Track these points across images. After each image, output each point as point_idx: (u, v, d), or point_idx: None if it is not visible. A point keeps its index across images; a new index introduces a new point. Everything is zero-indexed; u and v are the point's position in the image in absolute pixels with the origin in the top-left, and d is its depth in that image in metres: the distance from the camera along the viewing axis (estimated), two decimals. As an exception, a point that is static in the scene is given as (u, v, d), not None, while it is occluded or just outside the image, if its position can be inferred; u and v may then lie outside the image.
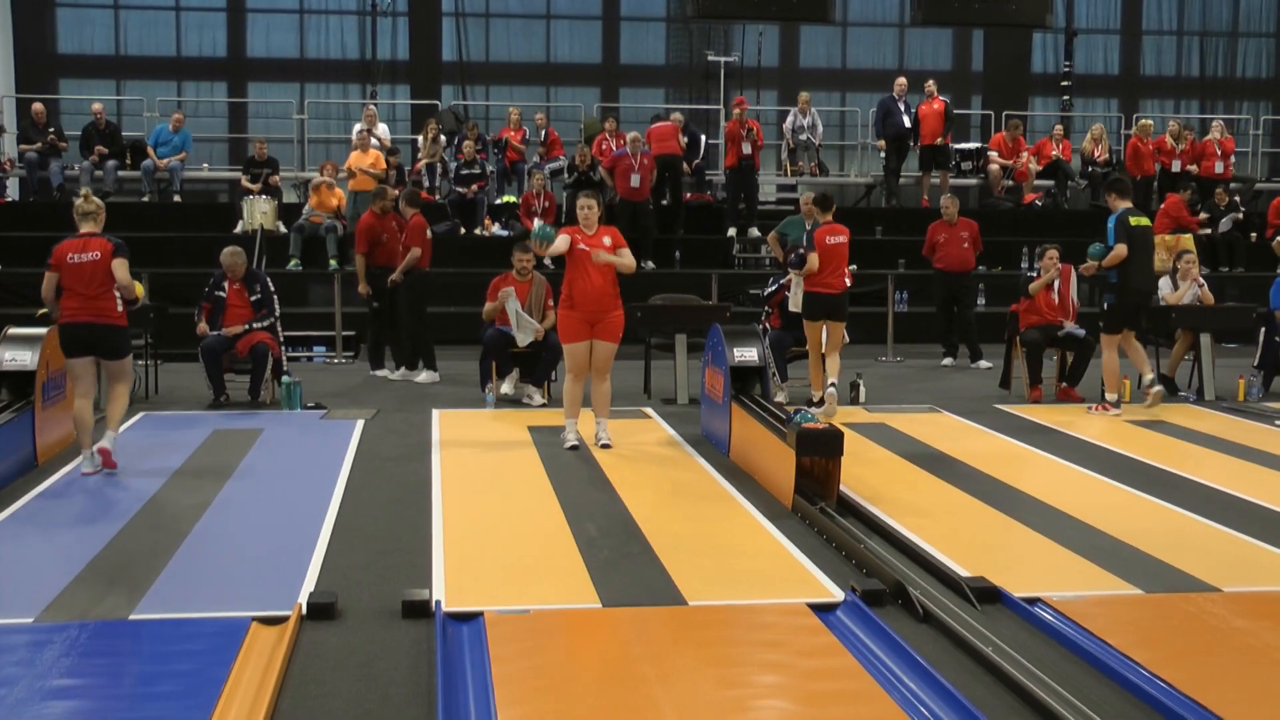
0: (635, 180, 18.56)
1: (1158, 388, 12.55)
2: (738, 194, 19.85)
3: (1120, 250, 12.16)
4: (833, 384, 12.25)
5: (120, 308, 9.76)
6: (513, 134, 20.48)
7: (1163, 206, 19.70)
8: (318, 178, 19.10)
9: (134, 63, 25.49)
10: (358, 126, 20.26)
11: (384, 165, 18.78)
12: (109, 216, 17.01)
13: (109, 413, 9.89)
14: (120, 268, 9.70)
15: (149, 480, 9.25)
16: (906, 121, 20.48)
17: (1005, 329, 13.94)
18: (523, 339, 12.60)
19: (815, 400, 12.32)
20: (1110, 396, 12.60)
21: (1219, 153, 20.96)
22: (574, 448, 10.40)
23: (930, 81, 21.07)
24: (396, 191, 15.34)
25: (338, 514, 8.36)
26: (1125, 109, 26.87)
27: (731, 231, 19.79)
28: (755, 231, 19.43)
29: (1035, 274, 13.78)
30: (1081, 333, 13.26)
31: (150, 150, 20.09)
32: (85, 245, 9.72)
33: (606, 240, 10.36)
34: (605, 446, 10.45)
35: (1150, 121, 21.58)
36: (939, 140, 20.63)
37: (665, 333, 13.86)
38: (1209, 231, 19.94)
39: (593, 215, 10.38)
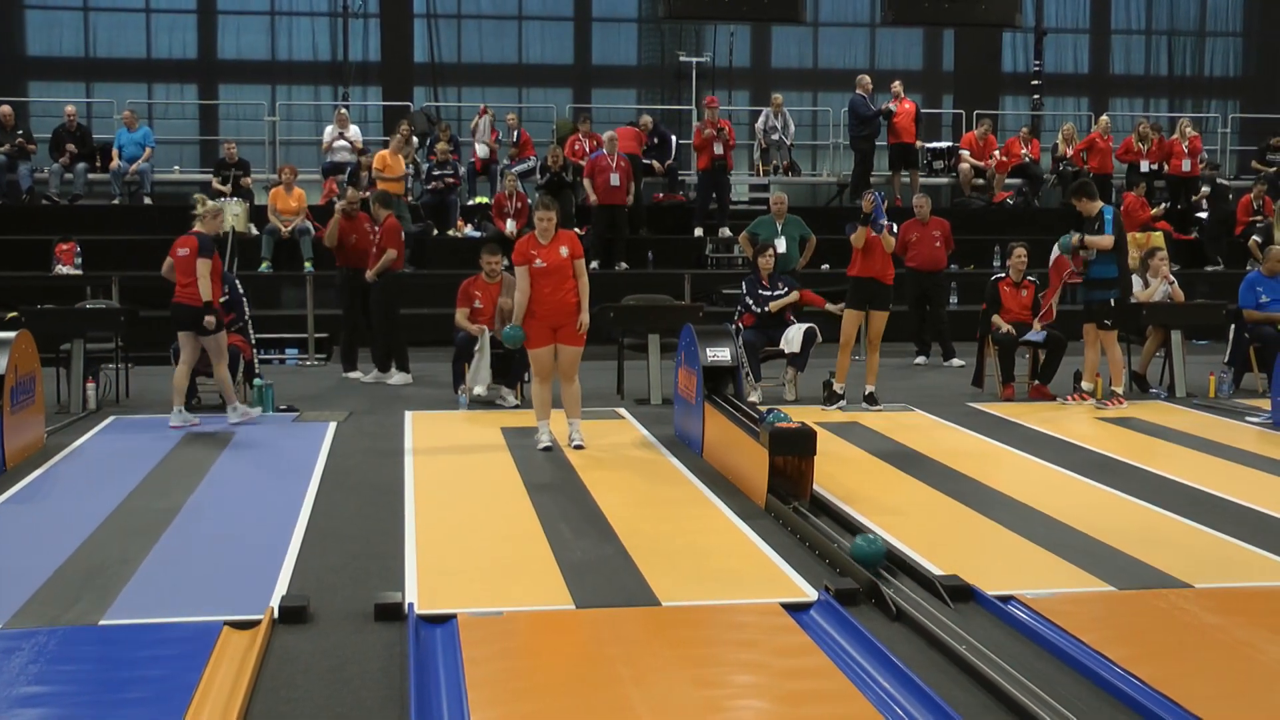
0: (615, 180, 18.54)
1: (1115, 404, 12.68)
2: (709, 194, 19.84)
3: (1109, 239, 12.30)
4: (871, 391, 12.60)
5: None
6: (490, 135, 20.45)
7: (1122, 207, 19.79)
8: (274, 178, 19.08)
9: (104, 65, 25.34)
10: (329, 129, 20.21)
11: (403, 169, 18.66)
12: (80, 219, 17.06)
13: (220, 390, 11.87)
14: (201, 267, 11.34)
15: (119, 484, 9.19)
16: (881, 119, 20.58)
17: (978, 327, 13.98)
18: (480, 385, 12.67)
19: (838, 390, 12.57)
20: (1086, 385, 12.78)
21: (1187, 151, 21.04)
22: (547, 449, 10.39)
23: (897, 82, 21.13)
24: (365, 194, 15.27)
25: (310, 517, 8.33)
26: (1095, 107, 26.96)
27: (699, 232, 19.79)
28: (726, 231, 19.43)
29: (1005, 273, 13.83)
30: (1041, 338, 13.30)
31: (115, 153, 19.95)
32: (184, 241, 11.55)
33: (564, 251, 10.34)
34: (579, 448, 10.42)
35: (1108, 119, 21.67)
36: (914, 141, 20.77)
37: (638, 333, 13.84)
38: (1164, 209, 20.17)
39: (550, 226, 10.35)
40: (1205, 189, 20.99)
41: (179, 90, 25.91)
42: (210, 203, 12.04)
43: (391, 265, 13.98)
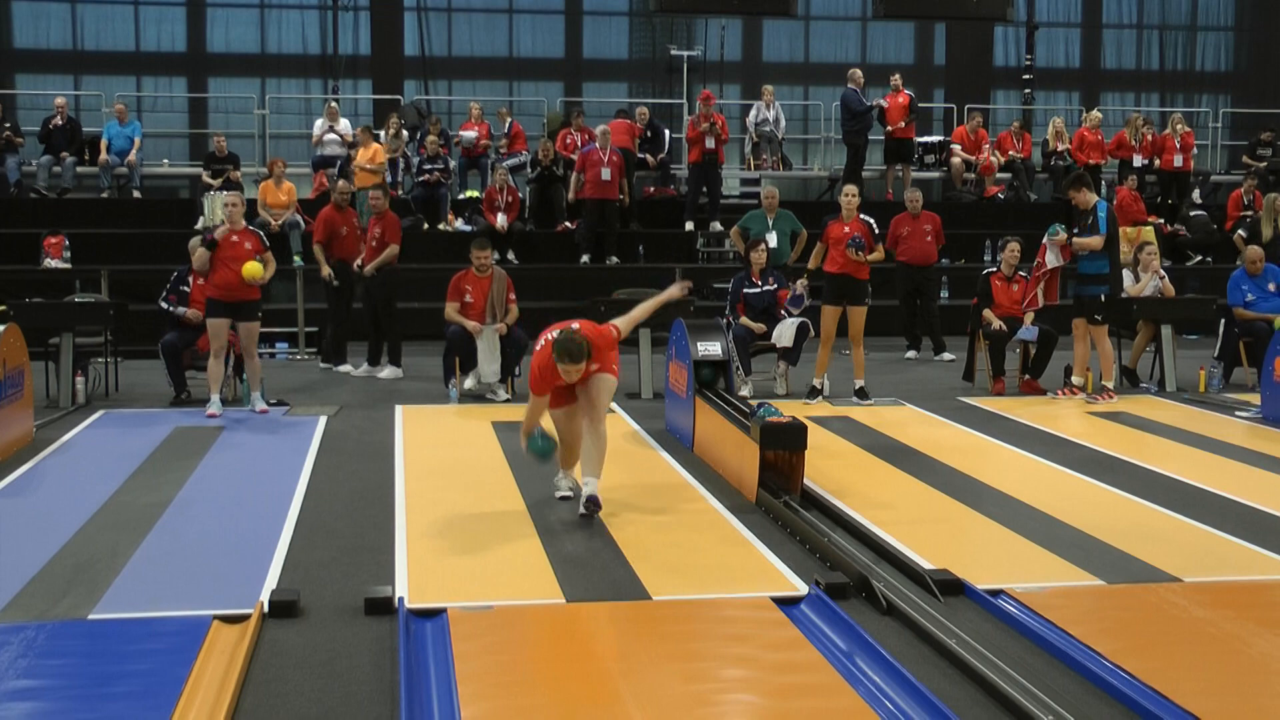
0: (606, 174, 18.52)
1: (1105, 398, 12.69)
2: (699, 188, 19.82)
3: (1099, 240, 12.31)
4: (861, 385, 12.59)
5: None
6: (477, 127, 20.41)
7: (1115, 201, 19.80)
8: (264, 172, 19.08)
9: (91, 57, 25.28)
10: (319, 122, 20.17)
11: (383, 159, 18.64)
12: (68, 213, 17.06)
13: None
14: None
15: (109, 478, 9.17)
16: (872, 114, 20.61)
17: (969, 322, 13.98)
18: (481, 376, 12.74)
19: (817, 385, 12.63)
20: (1076, 380, 12.80)
21: (1179, 146, 21.07)
22: (565, 498, 8.47)
23: (896, 75, 21.15)
24: (355, 187, 15.28)
25: (300, 511, 8.32)
26: (1086, 102, 26.99)
27: (690, 226, 19.77)
28: (717, 226, 19.43)
29: (996, 268, 13.83)
30: (1033, 335, 13.28)
31: (103, 145, 19.87)
32: None
33: (594, 366, 8.11)
34: (593, 504, 8.03)
35: (1099, 114, 21.70)
36: (904, 129, 20.76)
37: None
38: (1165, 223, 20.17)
39: (577, 375, 8.03)
40: (1194, 197, 21.03)
41: (168, 83, 25.85)
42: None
43: (391, 260, 14.03)
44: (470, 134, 20.26)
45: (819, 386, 12.63)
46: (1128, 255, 15.09)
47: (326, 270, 14.48)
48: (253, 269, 11.76)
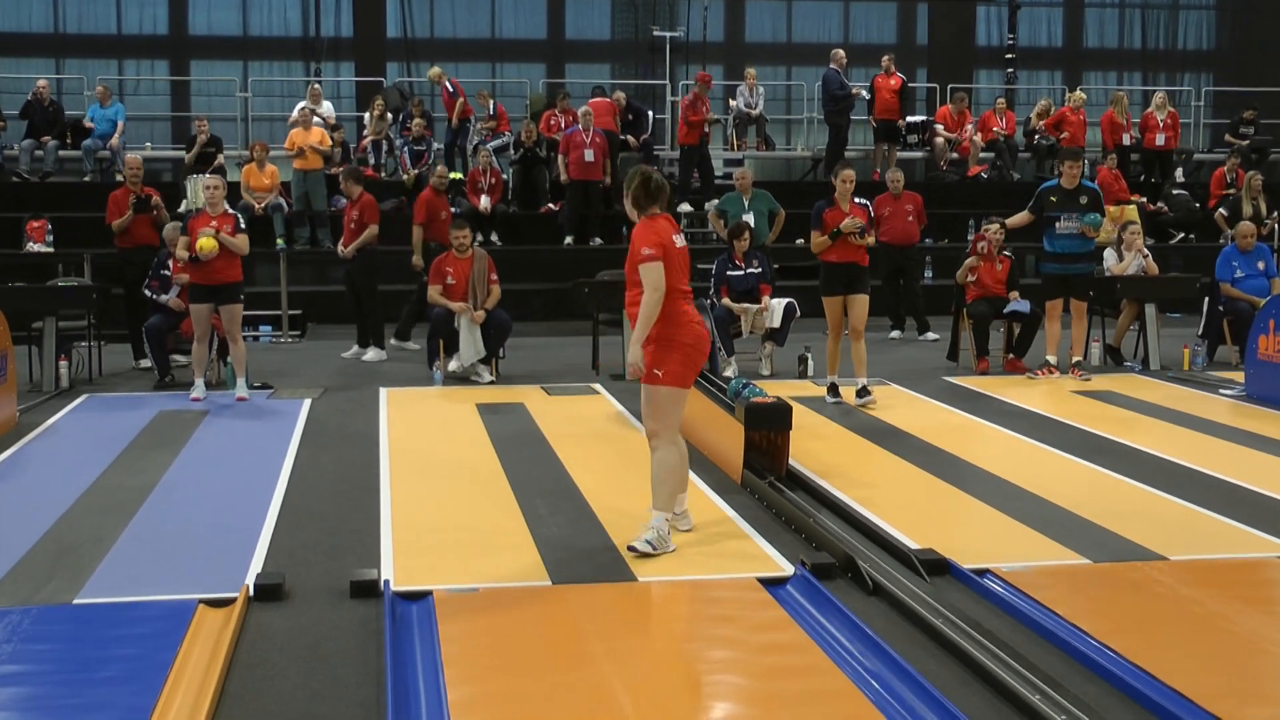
0: (589, 155, 18.48)
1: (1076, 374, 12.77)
2: (691, 171, 19.80)
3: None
4: (864, 384, 11.50)
5: None
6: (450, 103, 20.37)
7: (1096, 180, 19.81)
8: (246, 155, 19.04)
9: (73, 41, 25.13)
10: (300, 104, 20.09)
11: (329, 142, 18.63)
12: (51, 196, 16.94)
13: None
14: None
15: (93, 463, 9.14)
16: (853, 99, 20.60)
17: (952, 301, 14.00)
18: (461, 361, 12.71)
19: (835, 382, 11.71)
20: (1050, 358, 12.83)
21: (1161, 125, 21.08)
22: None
23: (887, 57, 21.14)
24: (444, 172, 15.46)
25: (285, 494, 8.31)
26: (1069, 81, 26.99)
27: (685, 207, 19.71)
28: (708, 206, 19.41)
29: (981, 248, 13.83)
30: (1026, 307, 13.29)
31: (88, 118, 19.80)
32: None
33: (681, 239, 6.94)
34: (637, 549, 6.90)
35: (1083, 94, 21.69)
36: (896, 116, 20.78)
37: (613, 308, 13.80)
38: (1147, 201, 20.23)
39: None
40: (1177, 176, 21.10)
41: (150, 66, 25.70)
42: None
43: (371, 241, 14.01)
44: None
45: (837, 384, 11.72)
46: (1111, 234, 15.12)
47: (418, 259, 14.44)
48: (206, 243, 11.47)
